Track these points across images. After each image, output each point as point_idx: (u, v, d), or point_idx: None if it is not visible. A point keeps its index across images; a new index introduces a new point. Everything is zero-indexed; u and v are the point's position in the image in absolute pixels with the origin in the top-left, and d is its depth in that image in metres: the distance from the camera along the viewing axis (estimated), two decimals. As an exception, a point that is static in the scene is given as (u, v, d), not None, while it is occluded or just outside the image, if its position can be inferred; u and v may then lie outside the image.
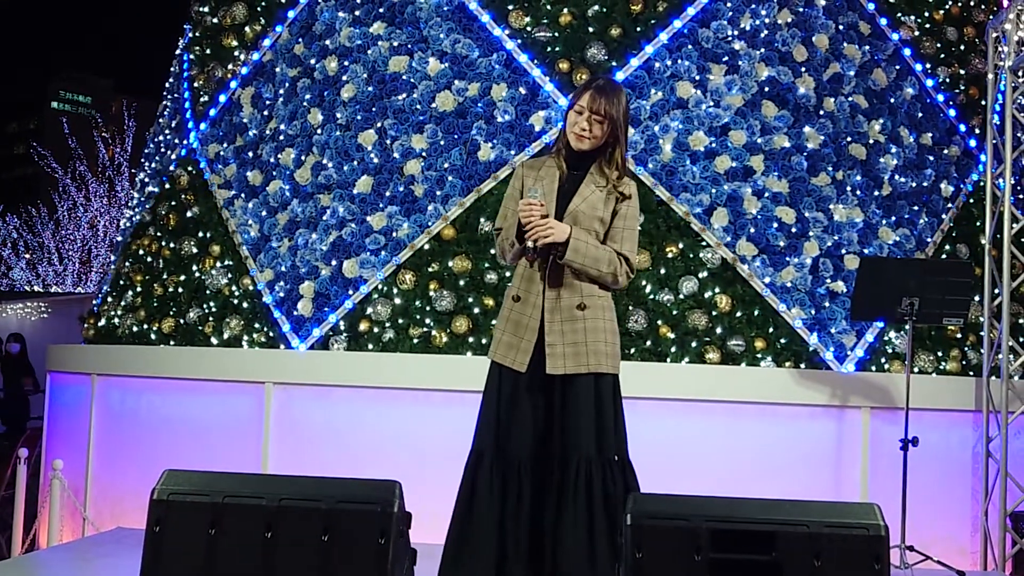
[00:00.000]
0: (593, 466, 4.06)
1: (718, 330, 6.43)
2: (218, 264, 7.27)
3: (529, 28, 6.96)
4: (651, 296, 6.46)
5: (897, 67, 7.29)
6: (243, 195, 7.34)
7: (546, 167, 4.28)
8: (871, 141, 7.00)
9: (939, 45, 7.55)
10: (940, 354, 6.73)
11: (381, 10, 7.21)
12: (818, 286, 6.59)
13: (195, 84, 8.04)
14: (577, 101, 4.20)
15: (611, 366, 4.17)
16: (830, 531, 3.28)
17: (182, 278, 7.40)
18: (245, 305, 7.05)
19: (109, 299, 7.99)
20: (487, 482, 4.11)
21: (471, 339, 6.47)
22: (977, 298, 6.85)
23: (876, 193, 6.91)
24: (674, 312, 6.44)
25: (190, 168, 7.75)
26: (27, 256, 35.51)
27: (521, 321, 4.17)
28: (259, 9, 7.87)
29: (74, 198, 35.14)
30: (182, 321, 7.23)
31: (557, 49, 6.91)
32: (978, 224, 7.18)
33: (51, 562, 5.48)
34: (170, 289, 7.43)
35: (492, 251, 6.39)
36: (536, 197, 4.08)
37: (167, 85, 8.67)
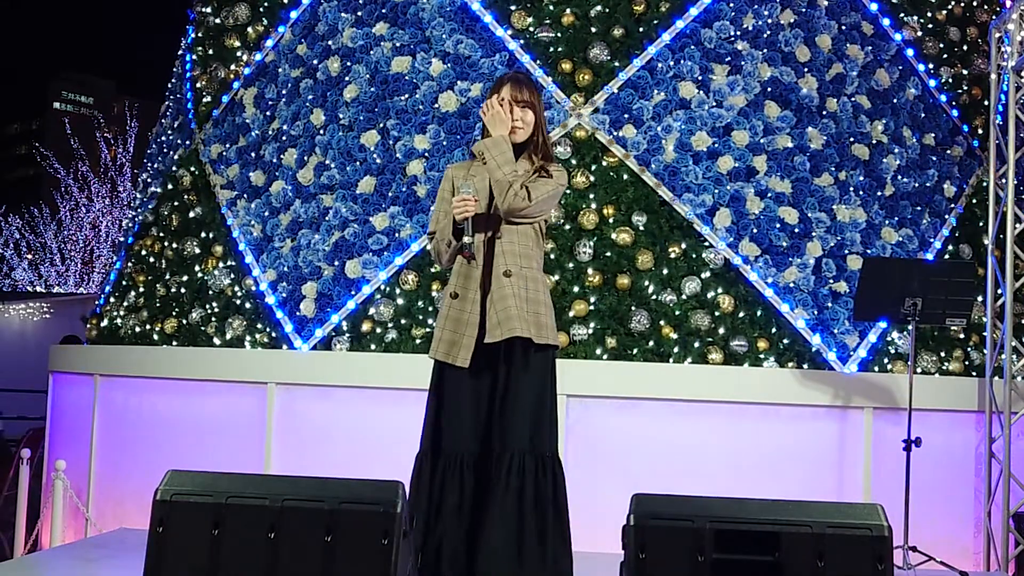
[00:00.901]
0: (526, 461, 4.09)
1: (721, 330, 6.43)
2: (221, 264, 7.27)
3: (532, 29, 6.96)
4: (654, 296, 6.46)
5: (900, 67, 7.29)
6: (246, 195, 7.34)
7: (475, 166, 4.36)
8: (874, 141, 6.99)
9: (942, 45, 7.55)
10: (943, 354, 6.73)
11: (384, 11, 7.21)
12: (821, 286, 6.58)
13: (198, 84, 8.04)
14: (498, 94, 4.31)
15: (541, 336, 4.16)
16: (833, 532, 3.28)
17: (185, 278, 7.41)
18: (247, 305, 7.05)
19: (112, 299, 8.00)
20: (426, 484, 4.14)
21: (474, 339, 6.46)
22: (980, 298, 6.85)
23: (879, 193, 6.91)
24: (677, 312, 6.44)
25: (193, 168, 7.75)
26: (29, 257, 35.52)
27: (461, 318, 4.21)
28: (261, 10, 7.88)
29: (76, 199, 35.15)
30: (184, 321, 7.24)
31: (560, 49, 6.91)
32: (981, 224, 7.17)
33: (54, 563, 5.47)
34: (172, 289, 7.43)
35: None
36: (469, 192, 4.15)
37: (169, 85, 8.68)
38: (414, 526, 4.06)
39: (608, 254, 6.51)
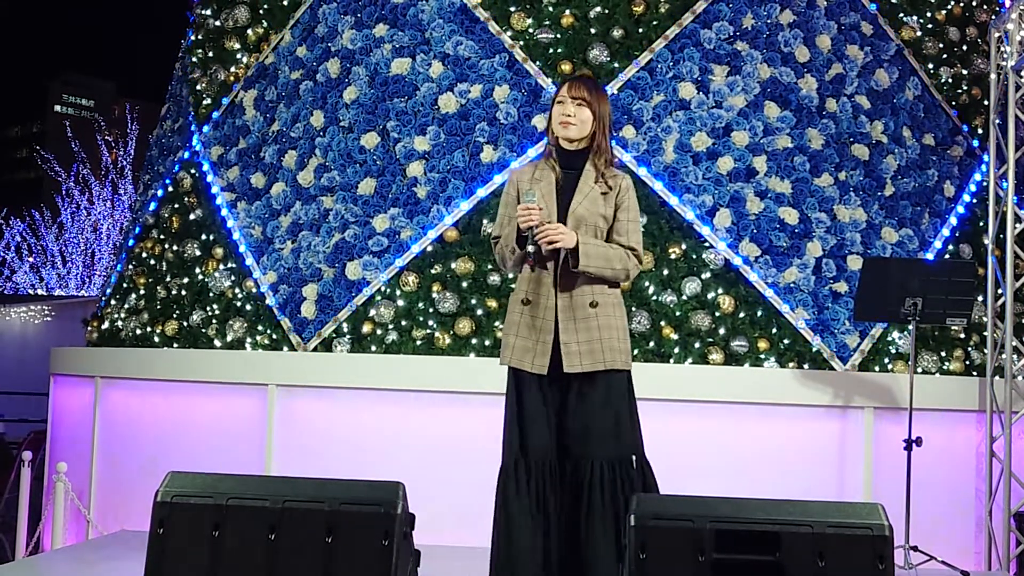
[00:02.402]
0: (614, 468, 4.08)
1: (721, 331, 6.43)
2: (221, 266, 7.27)
3: (531, 30, 6.97)
4: (654, 297, 6.46)
5: (899, 67, 7.29)
6: (246, 197, 7.34)
7: (540, 171, 4.30)
8: (874, 141, 7.00)
9: (941, 45, 7.55)
10: (943, 354, 6.73)
11: (383, 12, 7.21)
12: (821, 287, 6.58)
13: (198, 87, 8.05)
14: (557, 94, 4.30)
15: (624, 362, 4.21)
16: (834, 531, 3.28)
17: (185, 280, 7.41)
18: (248, 307, 7.06)
19: (112, 302, 8.00)
20: (524, 493, 4.10)
21: (474, 341, 6.47)
22: (980, 298, 6.85)
23: (879, 193, 6.91)
24: (677, 313, 6.44)
25: (193, 171, 7.75)
26: (30, 260, 35.52)
27: (534, 324, 4.17)
28: (261, 12, 7.88)
29: (77, 201, 35.15)
30: (185, 323, 7.24)
31: (559, 51, 6.91)
32: (981, 224, 7.17)
33: (55, 565, 5.48)
34: (173, 292, 7.44)
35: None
36: (533, 200, 4.09)
37: (169, 88, 8.68)
38: (510, 531, 4.04)
39: (608, 255, 6.50)
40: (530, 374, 4.16)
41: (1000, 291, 6.72)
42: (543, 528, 4.09)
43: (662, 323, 6.41)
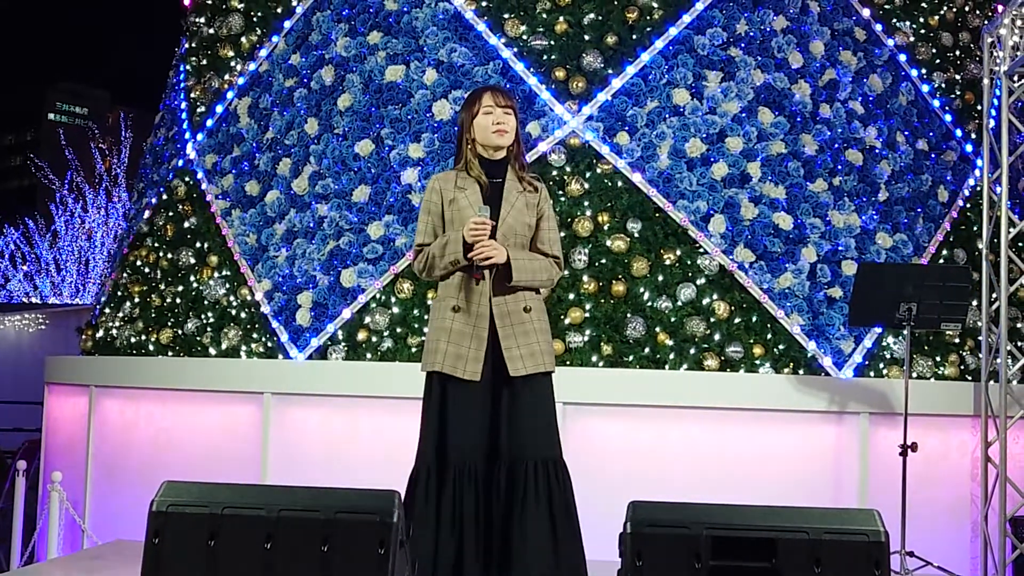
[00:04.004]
0: (549, 467, 4.18)
1: (716, 337, 6.43)
2: (216, 274, 7.26)
3: (525, 36, 6.97)
4: (649, 303, 6.46)
5: (893, 73, 7.31)
6: (240, 205, 7.33)
7: (463, 180, 4.36)
8: (868, 147, 7.01)
9: (934, 50, 7.57)
10: (938, 359, 6.73)
11: (377, 20, 7.22)
12: (816, 292, 6.59)
13: (192, 95, 8.04)
14: (480, 104, 4.33)
15: (553, 364, 4.36)
16: (830, 537, 3.28)
17: (180, 288, 7.40)
18: (243, 315, 7.05)
19: (107, 310, 7.98)
20: (434, 496, 4.14)
21: (469, 348, 6.45)
22: (975, 303, 6.86)
23: (873, 199, 6.92)
24: (672, 319, 6.44)
25: (187, 179, 7.74)
26: (24, 268, 35.46)
27: (465, 331, 4.24)
28: (255, 20, 7.88)
29: (71, 209, 35.11)
30: (180, 332, 7.23)
31: (553, 57, 6.92)
32: (975, 229, 7.18)
33: (50, 575, 5.46)
34: (168, 300, 7.43)
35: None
36: (485, 215, 4.16)
37: (164, 96, 8.67)
38: (415, 538, 4.05)
39: (603, 261, 6.51)
40: (459, 380, 4.21)
41: (995, 296, 6.73)
42: (457, 532, 4.11)
43: (657, 329, 6.41)
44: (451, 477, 4.14)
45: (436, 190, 4.38)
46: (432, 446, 4.21)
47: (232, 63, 7.88)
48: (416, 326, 6.56)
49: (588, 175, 6.67)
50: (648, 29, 6.94)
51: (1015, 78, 6.76)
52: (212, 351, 7.03)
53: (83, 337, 8.19)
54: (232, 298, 7.14)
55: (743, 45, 6.96)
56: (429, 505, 4.13)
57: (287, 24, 7.66)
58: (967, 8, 7.88)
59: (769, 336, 6.48)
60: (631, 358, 6.34)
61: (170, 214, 7.74)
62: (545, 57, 6.92)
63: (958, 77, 7.61)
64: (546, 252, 4.39)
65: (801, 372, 6.44)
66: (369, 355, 6.58)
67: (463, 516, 4.11)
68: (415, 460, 4.25)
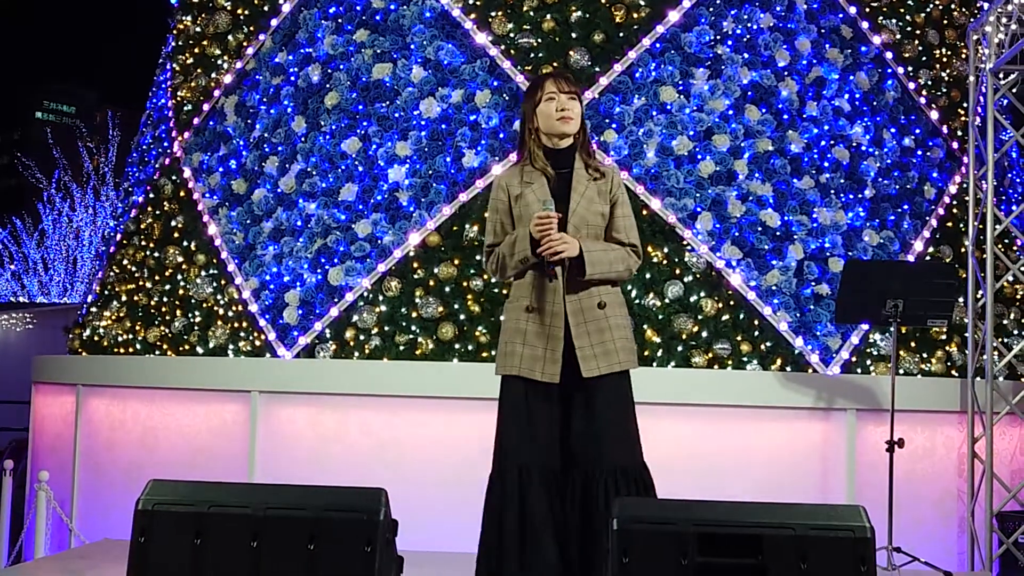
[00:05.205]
0: (629, 475, 3.99)
1: (704, 334, 6.44)
2: (203, 273, 7.25)
3: (512, 34, 6.97)
4: (636, 300, 6.46)
5: (879, 70, 7.32)
6: (227, 203, 7.32)
7: (528, 173, 4.15)
8: (854, 144, 7.02)
9: (920, 48, 7.59)
10: (925, 355, 6.76)
11: (364, 18, 7.21)
12: (803, 289, 6.60)
13: (179, 93, 8.02)
14: (542, 92, 4.13)
15: (633, 362, 4.14)
16: (816, 534, 3.29)
17: (167, 287, 7.38)
18: (230, 314, 7.03)
19: (94, 309, 7.96)
20: (515, 499, 3.98)
21: (457, 345, 6.46)
22: (961, 299, 6.88)
23: (860, 196, 6.94)
24: (659, 316, 6.45)
25: (174, 177, 7.72)
26: (12, 267, 35.33)
27: (543, 332, 4.06)
28: (242, 18, 7.86)
29: (59, 208, 34.99)
30: (167, 330, 7.21)
31: (540, 55, 6.92)
32: (961, 226, 7.21)
33: (37, 574, 5.45)
34: (155, 299, 7.41)
35: (478, 257, 6.38)
36: (549, 208, 3.98)
37: (151, 94, 8.65)
38: (503, 543, 3.94)
39: (591, 259, 6.50)
40: (538, 383, 4.04)
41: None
42: (556, 532, 3.97)
43: (644, 326, 6.42)
44: (534, 480, 3.97)
45: (502, 187, 4.19)
46: (513, 447, 4.03)
47: (219, 61, 7.86)
48: (404, 324, 6.56)
49: (575, 173, 6.66)
50: (635, 27, 6.94)
51: (1000, 75, 6.78)
52: (199, 350, 7.02)
53: (70, 336, 8.16)
54: (219, 296, 7.12)
55: (730, 43, 6.97)
56: (509, 510, 3.96)
57: (274, 22, 7.65)
58: (952, 5, 7.91)
59: (756, 333, 6.50)
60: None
61: (157, 213, 7.72)
62: (532, 55, 6.92)
63: (944, 74, 7.63)
64: (622, 241, 4.16)
65: (788, 369, 6.45)
66: (357, 353, 6.57)
67: (539, 521, 3.94)
68: (493, 465, 4.08)
